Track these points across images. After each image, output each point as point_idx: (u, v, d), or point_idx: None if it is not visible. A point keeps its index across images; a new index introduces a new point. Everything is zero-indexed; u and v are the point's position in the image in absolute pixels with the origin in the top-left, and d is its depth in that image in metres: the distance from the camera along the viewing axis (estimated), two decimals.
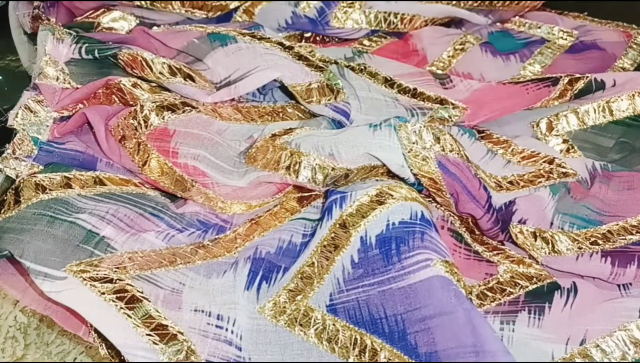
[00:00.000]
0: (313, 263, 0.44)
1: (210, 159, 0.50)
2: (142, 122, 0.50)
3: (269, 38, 0.55)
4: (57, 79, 0.54)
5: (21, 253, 0.43)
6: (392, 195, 0.45)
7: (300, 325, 0.42)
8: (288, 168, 0.49)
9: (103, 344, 0.43)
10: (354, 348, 0.40)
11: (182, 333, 0.41)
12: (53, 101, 0.53)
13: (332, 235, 0.45)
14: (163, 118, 0.50)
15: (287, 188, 0.52)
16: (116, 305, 0.41)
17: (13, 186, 0.48)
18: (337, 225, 0.45)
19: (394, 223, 0.44)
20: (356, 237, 0.44)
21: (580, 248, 0.48)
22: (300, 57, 0.54)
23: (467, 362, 0.38)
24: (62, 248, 0.44)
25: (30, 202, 0.46)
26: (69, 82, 0.54)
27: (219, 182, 0.50)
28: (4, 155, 0.51)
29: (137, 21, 0.65)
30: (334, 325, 0.41)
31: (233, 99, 0.55)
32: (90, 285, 0.42)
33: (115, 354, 0.42)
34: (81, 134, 0.53)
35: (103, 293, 0.42)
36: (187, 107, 0.51)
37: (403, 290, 0.41)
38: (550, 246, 0.48)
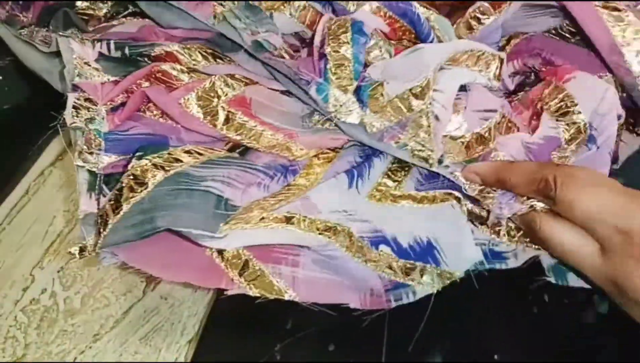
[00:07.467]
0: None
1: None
2: (219, 90, 0.53)
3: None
4: (94, 76, 0.54)
5: (184, 223, 0.45)
6: None
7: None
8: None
9: (252, 285, 0.48)
10: None
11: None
12: (97, 95, 0.54)
13: None
14: (237, 88, 0.54)
15: None
16: (280, 227, 0.48)
17: (127, 174, 0.48)
18: None
19: None
20: None
21: None
22: None
23: None
24: (205, 216, 0.47)
25: (155, 180, 0.47)
26: (106, 77, 0.55)
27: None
28: (79, 152, 0.51)
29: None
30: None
31: None
32: (256, 223, 0.47)
33: None
34: (139, 120, 0.54)
35: (267, 225, 0.47)
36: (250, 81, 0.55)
37: None
38: None
